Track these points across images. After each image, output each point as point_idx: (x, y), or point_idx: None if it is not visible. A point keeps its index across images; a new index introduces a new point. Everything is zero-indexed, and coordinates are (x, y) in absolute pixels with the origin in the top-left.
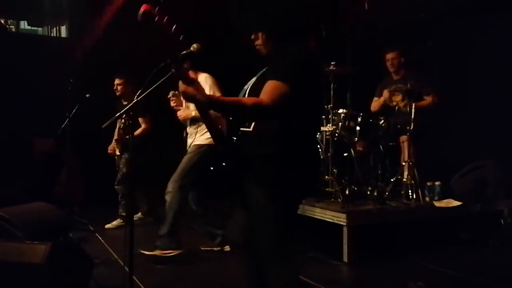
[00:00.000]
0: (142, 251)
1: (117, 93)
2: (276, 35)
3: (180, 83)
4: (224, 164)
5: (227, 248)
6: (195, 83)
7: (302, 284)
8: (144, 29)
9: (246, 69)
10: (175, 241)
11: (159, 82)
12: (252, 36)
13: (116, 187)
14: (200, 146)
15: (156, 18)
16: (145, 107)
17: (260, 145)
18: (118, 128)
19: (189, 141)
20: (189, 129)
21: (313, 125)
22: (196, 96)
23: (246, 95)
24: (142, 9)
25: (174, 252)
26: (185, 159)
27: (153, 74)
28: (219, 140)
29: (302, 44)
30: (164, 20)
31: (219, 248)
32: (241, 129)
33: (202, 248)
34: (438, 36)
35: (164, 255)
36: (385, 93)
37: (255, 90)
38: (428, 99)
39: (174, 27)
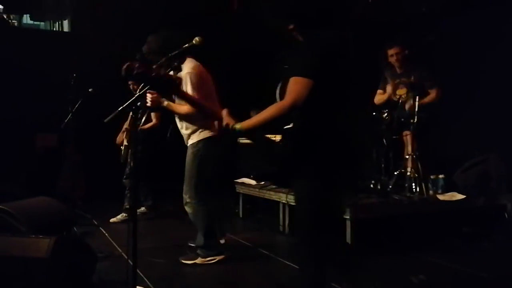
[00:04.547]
0: (183, 261)
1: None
2: (304, 23)
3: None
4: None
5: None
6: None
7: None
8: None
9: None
10: (215, 247)
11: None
12: (288, 28)
13: (124, 180)
14: (195, 145)
15: (137, 68)
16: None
17: (300, 140)
18: (131, 118)
19: (184, 135)
20: (179, 125)
21: (354, 119)
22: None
23: (278, 90)
24: (123, 67)
25: (216, 258)
26: (187, 164)
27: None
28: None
29: (331, 31)
30: (144, 68)
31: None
32: (284, 127)
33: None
34: (441, 30)
35: (206, 263)
36: (388, 88)
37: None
38: (432, 94)
39: (152, 69)
